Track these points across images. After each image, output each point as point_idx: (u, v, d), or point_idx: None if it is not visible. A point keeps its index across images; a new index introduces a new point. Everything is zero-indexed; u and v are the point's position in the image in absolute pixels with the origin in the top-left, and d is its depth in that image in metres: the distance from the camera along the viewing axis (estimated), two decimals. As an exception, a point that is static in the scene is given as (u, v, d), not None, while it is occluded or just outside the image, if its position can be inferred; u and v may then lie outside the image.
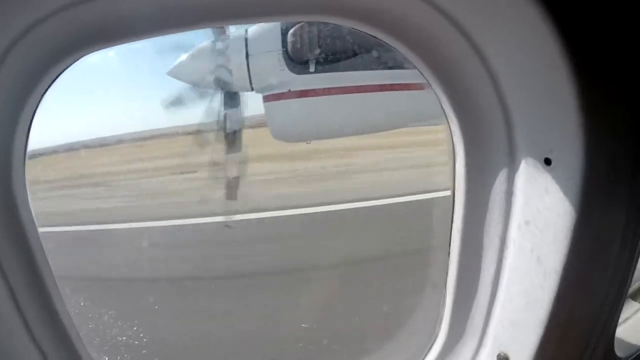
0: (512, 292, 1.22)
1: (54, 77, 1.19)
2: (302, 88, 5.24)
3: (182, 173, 6.72)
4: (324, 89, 5.19)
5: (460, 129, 1.17)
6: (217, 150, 5.94)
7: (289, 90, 5.29)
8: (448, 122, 1.18)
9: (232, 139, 5.71)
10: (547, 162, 1.07)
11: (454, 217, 1.26)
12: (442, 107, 1.17)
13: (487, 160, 1.18)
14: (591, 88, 0.97)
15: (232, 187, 5.74)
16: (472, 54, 1.07)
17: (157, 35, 1.20)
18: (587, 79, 0.96)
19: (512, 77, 1.08)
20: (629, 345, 1.46)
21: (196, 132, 6.26)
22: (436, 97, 1.17)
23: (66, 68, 1.19)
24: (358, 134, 5.62)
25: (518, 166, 1.14)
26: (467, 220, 1.24)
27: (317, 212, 5.74)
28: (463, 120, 1.16)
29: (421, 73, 1.12)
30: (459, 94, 1.14)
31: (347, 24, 1.10)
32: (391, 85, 5.05)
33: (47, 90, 1.21)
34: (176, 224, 5.70)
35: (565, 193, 1.05)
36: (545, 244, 1.11)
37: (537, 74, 1.02)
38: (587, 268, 1.12)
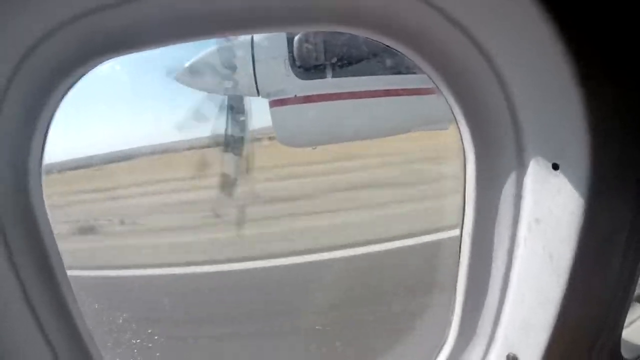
0: (523, 291, 1.24)
1: (68, 87, 1.22)
2: (308, 93, 5.29)
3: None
4: (330, 94, 5.23)
5: (471, 134, 1.20)
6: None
7: (295, 96, 5.34)
8: (459, 128, 1.22)
9: (236, 145, 5.74)
10: (555, 167, 1.10)
11: (465, 219, 1.29)
12: (452, 113, 1.20)
13: (497, 164, 1.21)
14: (596, 92, 1.00)
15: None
16: (481, 61, 1.10)
17: (169, 45, 1.23)
18: (592, 84, 0.99)
19: (520, 85, 1.11)
20: (635, 346, 1.48)
21: (202, 145, 6.14)
22: (447, 103, 1.20)
23: (80, 78, 1.23)
24: (364, 139, 5.65)
25: (527, 170, 1.18)
26: (477, 222, 1.27)
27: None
28: (473, 126, 1.19)
29: (432, 80, 1.16)
30: (468, 100, 1.17)
31: (360, 33, 1.13)
32: (397, 90, 5.09)
33: (61, 100, 1.24)
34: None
35: (574, 196, 1.07)
36: (557, 240, 1.14)
37: (544, 81, 1.05)
38: (595, 267, 1.14)
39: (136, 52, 1.27)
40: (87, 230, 5.99)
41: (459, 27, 1.07)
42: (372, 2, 1.09)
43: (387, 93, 5.12)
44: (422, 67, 1.15)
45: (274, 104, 5.49)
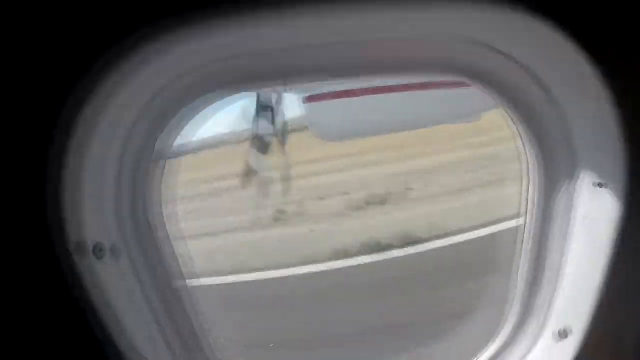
0: (575, 276, 1.54)
1: (186, 122, 1.49)
2: (342, 89, 5.49)
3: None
4: (362, 89, 5.42)
5: (534, 155, 1.53)
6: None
7: (328, 91, 5.54)
8: (525, 149, 1.54)
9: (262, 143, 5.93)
10: (600, 185, 1.42)
11: (527, 218, 1.61)
12: (521, 139, 1.51)
13: (554, 175, 1.53)
14: (633, 126, 1.29)
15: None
16: (548, 102, 1.42)
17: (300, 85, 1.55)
18: (634, 127, 1.29)
19: (575, 124, 1.44)
20: None
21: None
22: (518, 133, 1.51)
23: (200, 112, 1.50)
24: (398, 132, 5.85)
25: (577, 183, 1.49)
26: (537, 219, 1.59)
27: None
28: (537, 148, 1.52)
29: (510, 117, 1.46)
30: (536, 133, 1.50)
31: (461, 79, 1.46)
32: (430, 84, 5.24)
33: (180, 132, 1.50)
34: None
35: (615, 207, 1.38)
36: (601, 237, 1.42)
37: (596, 122, 1.35)
38: (630, 263, 1.44)
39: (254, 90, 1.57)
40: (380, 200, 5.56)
41: (535, 79, 1.39)
42: (456, 53, 1.40)
43: (420, 87, 5.28)
44: (505, 106, 1.47)
45: (306, 100, 5.71)
